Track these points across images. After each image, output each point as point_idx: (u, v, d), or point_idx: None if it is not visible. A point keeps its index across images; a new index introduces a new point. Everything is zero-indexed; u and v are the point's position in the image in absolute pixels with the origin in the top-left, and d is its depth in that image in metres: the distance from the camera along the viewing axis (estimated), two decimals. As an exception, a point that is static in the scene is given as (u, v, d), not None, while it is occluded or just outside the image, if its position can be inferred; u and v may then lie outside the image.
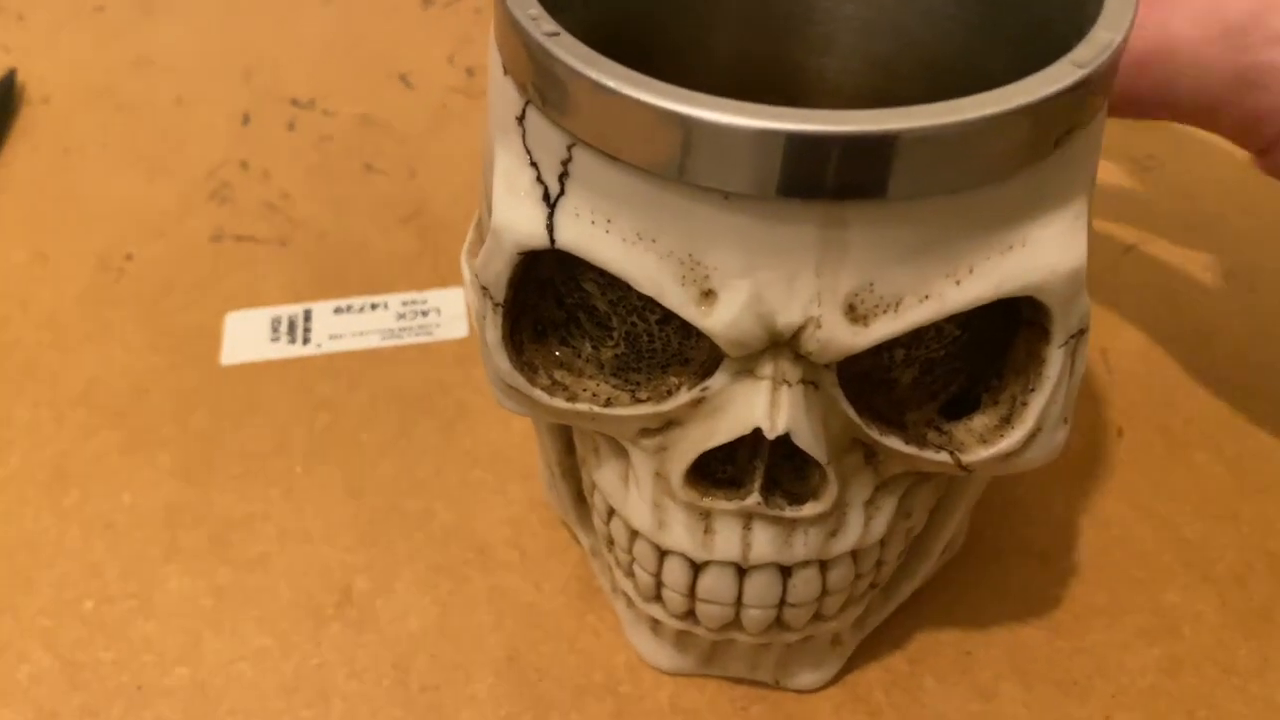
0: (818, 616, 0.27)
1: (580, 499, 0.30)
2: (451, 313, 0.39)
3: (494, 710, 0.29)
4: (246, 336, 0.38)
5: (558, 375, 0.25)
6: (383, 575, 0.32)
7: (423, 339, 0.38)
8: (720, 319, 0.22)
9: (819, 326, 0.22)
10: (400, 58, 0.51)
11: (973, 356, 0.25)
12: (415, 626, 0.30)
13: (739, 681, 0.30)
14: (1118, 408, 0.36)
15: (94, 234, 0.42)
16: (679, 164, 0.20)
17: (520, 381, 0.25)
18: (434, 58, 0.51)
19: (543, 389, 0.25)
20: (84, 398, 0.36)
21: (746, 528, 0.25)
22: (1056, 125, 0.21)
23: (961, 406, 0.26)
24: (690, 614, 0.27)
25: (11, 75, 0.48)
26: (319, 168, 0.45)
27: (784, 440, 0.23)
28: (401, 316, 0.38)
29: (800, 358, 0.22)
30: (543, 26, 0.21)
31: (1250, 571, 0.32)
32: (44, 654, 0.30)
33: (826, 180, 0.20)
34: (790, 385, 0.23)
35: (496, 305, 0.24)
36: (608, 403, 0.25)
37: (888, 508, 0.26)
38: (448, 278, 0.40)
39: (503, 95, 0.23)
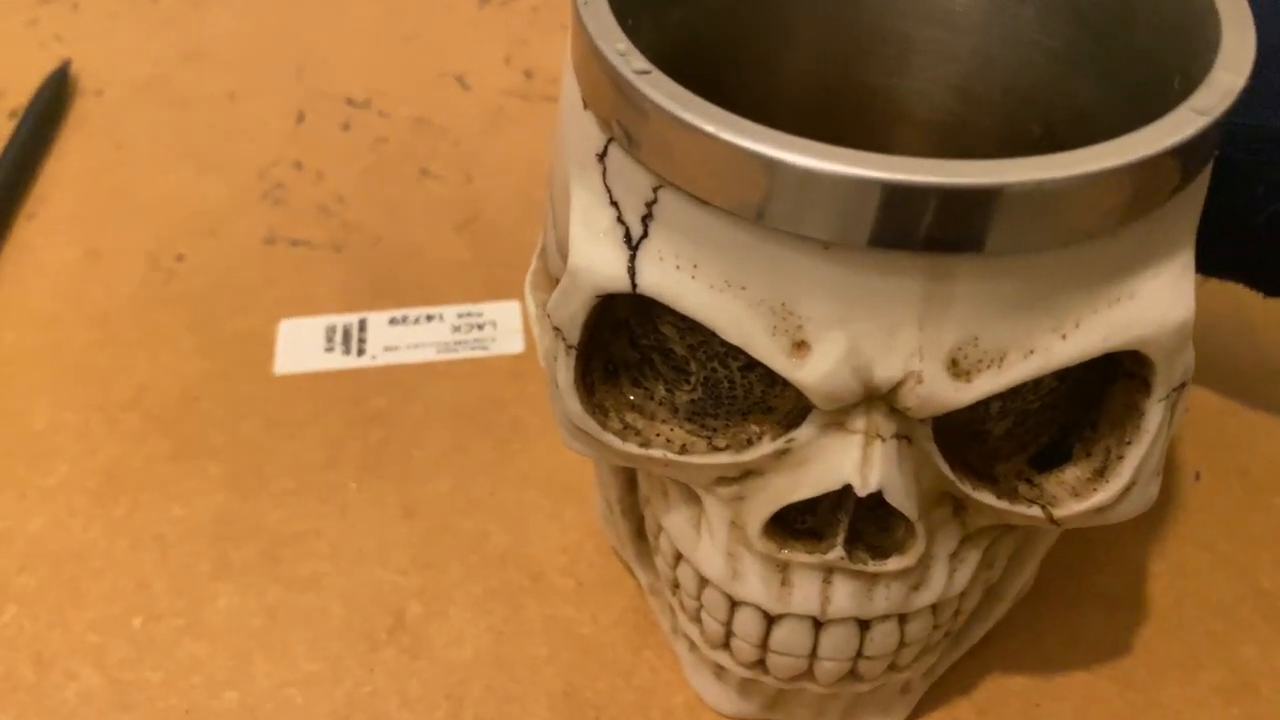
0: (892, 667, 0.26)
1: (640, 536, 0.29)
2: (507, 327, 0.38)
3: (549, 746, 0.28)
4: (300, 345, 0.37)
5: (629, 418, 0.25)
6: (436, 599, 0.31)
7: (478, 353, 0.37)
8: (814, 371, 0.21)
9: (920, 382, 0.20)
10: (455, 57, 0.50)
11: (1068, 407, 0.24)
12: (469, 654, 0.30)
13: (802, 726, 0.29)
14: (1195, 449, 0.35)
15: (146, 231, 0.42)
16: (774, 210, 0.19)
17: (592, 426, 0.24)
18: (490, 58, 0.50)
19: (614, 433, 0.24)
20: (134, 403, 0.36)
21: (826, 581, 0.24)
22: (1172, 176, 0.20)
23: (1052, 458, 0.25)
24: (760, 663, 0.26)
25: (65, 67, 0.48)
26: (374, 170, 0.44)
27: (875, 496, 0.22)
28: (457, 329, 0.38)
29: (895, 411, 0.21)
30: (633, 64, 0.20)
31: (1333, 628, 0.31)
32: (92, 672, 0.29)
33: (924, 232, 0.19)
34: (884, 440, 0.22)
35: (570, 348, 0.23)
36: (683, 449, 0.24)
37: (972, 560, 0.25)
38: (502, 289, 0.39)
39: (581, 129, 0.23)
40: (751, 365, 0.23)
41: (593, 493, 0.33)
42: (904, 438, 0.22)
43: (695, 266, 0.21)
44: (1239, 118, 0.27)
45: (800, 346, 0.21)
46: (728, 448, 0.24)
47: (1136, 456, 0.23)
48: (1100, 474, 0.24)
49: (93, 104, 0.47)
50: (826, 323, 0.20)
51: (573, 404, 0.24)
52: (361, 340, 0.37)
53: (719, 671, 0.28)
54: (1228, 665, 0.30)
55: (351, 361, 0.37)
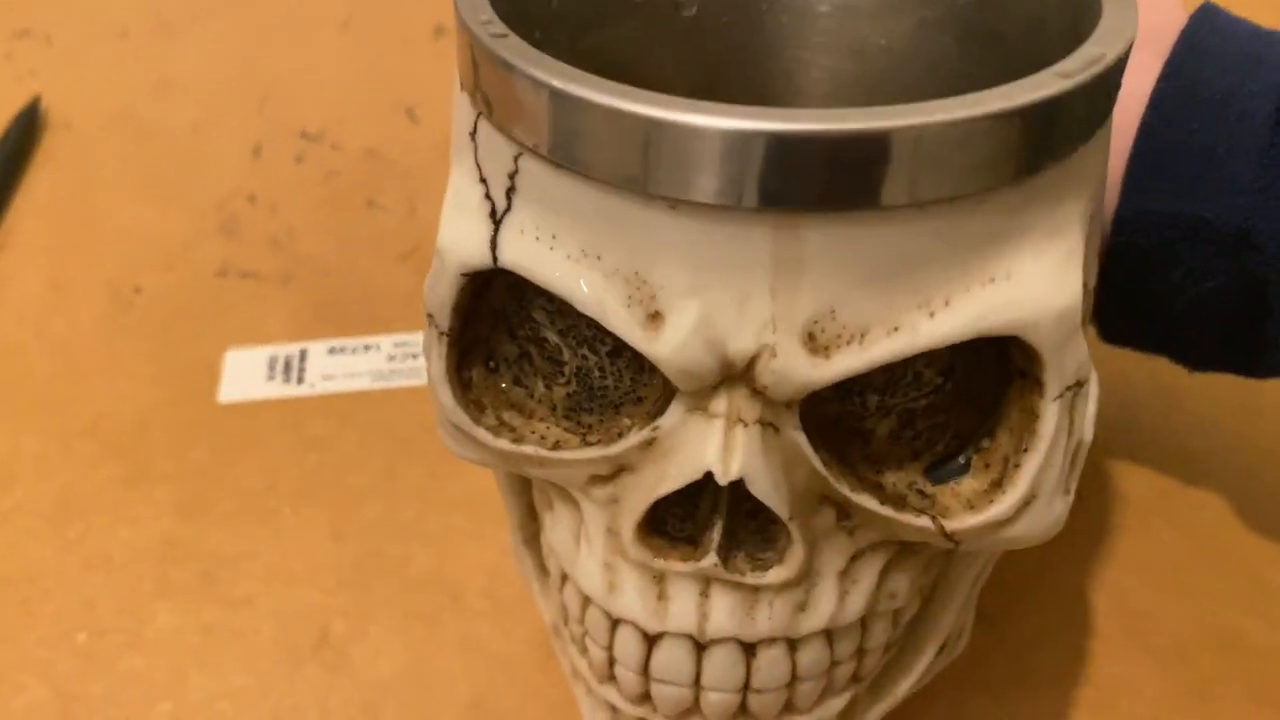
0: (790, 708, 0.25)
1: (543, 570, 0.29)
2: (441, 356, 0.40)
3: (456, 756, 0.31)
4: (244, 375, 0.40)
5: (506, 416, 0.24)
6: (359, 619, 0.33)
7: (412, 381, 0.40)
8: (668, 343, 0.20)
9: (774, 355, 0.20)
10: (408, 89, 0.52)
11: (960, 412, 0.23)
12: (386, 671, 0.32)
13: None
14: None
15: (107, 263, 0.44)
16: (619, 167, 0.19)
17: (464, 419, 0.24)
18: (441, 90, 0.52)
19: (488, 429, 0.24)
20: (90, 430, 0.38)
21: (704, 594, 0.23)
22: (1037, 140, 0.20)
23: (951, 470, 0.24)
24: (646, 696, 0.25)
25: (35, 103, 0.50)
26: (324, 202, 0.47)
27: (743, 491, 0.21)
28: (392, 359, 0.40)
29: (757, 394, 0.21)
30: (491, 29, 0.21)
31: (1192, 645, 0.33)
32: (39, 685, 0.32)
33: (764, 185, 0.18)
34: (746, 425, 0.21)
35: (441, 334, 0.23)
36: (556, 445, 0.23)
37: (865, 582, 0.24)
38: (441, 318, 0.42)
39: (459, 112, 0.23)
40: (619, 350, 0.22)
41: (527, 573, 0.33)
42: (769, 425, 0.21)
43: (554, 237, 0.21)
44: (1151, 204, 0.29)
45: (654, 318, 0.20)
46: (599, 442, 0.23)
47: (1034, 465, 0.22)
48: (998, 485, 0.23)
49: (62, 137, 0.50)
50: (679, 291, 0.20)
51: (445, 396, 0.24)
52: (302, 370, 0.40)
53: (614, 716, 0.27)
54: (1094, 682, 0.32)
55: (292, 390, 0.39)
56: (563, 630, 0.28)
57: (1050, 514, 0.23)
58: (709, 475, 0.21)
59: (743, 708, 0.25)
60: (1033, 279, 0.20)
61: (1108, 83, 0.21)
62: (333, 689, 0.32)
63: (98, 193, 0.47)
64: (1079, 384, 0.22)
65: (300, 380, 0.39)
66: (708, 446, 0.21)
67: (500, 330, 0.24)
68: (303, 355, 0.40)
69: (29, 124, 0.50)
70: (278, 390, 0.39)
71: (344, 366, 0.40)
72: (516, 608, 0.34)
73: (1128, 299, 0.31)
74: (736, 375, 0.21)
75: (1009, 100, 0.19)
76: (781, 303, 0.20)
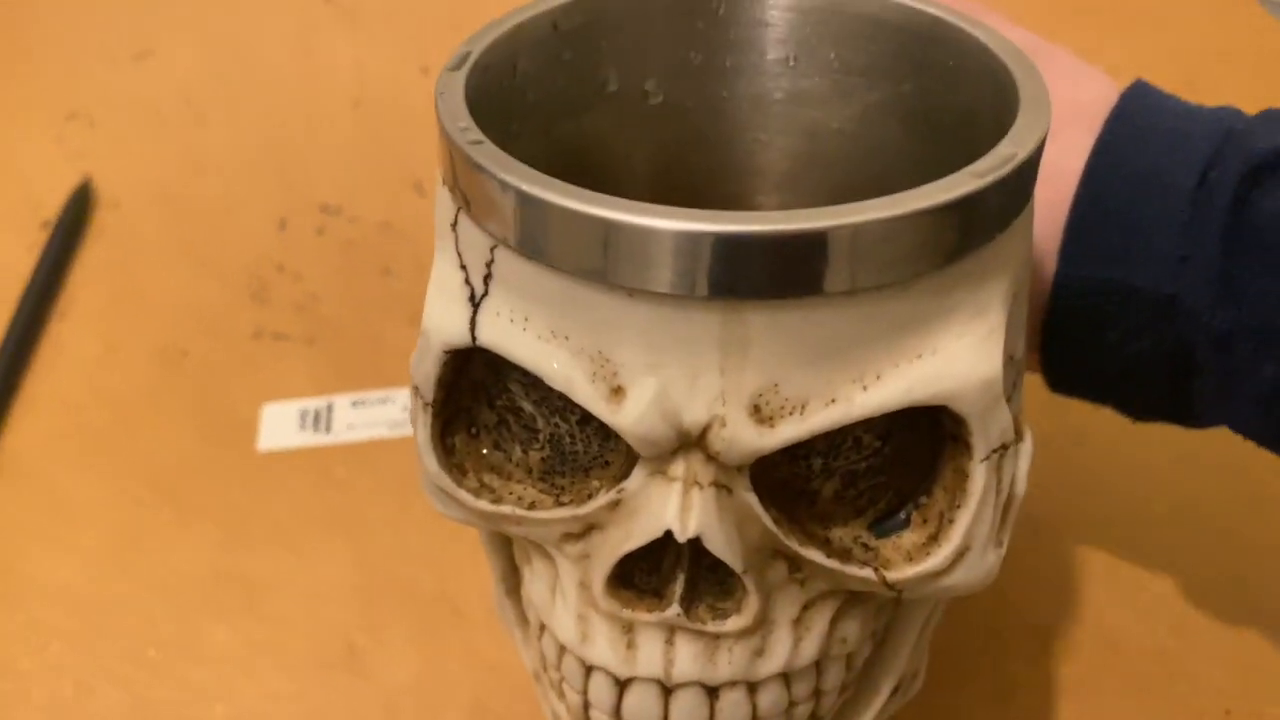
0: None
1: (524, 620, 0.31)
2: (446, 407, 0.47)
3: (461, 746, 0.37)
4: (279, 426, 0.46)
5: (486, 479, 0.26)
6: (378, 632, 0.40)
7: (421, 430, 0.46)
8: (628, 415, 0.22)
9: (724, 425, 0.22)
10: (416, 165, 0.59)
11: (898, 472, 0.25)
12: (402, 676, 0.39)
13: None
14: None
15: (155, 328, 0.51)
16: (582, 260, 0.22)
17: (448, 483, 0.26)
18: (444, 166, 0.59)
19: (469, 490, 0.26)
20: (146, 476, 0.45)
21: (669, 642, 0.25)
22: (956, 232, 0.22)
23: (892, 526, 0.26)
24: None
25: (87, 184, 0.57)
26: (343, 270, 0.53)
27: (701, 547, 0.23)
28: (406, 409, 0.47)
29: (711, 460, 0.23)
30: (468, 136, 0.23)
31: (1081, 645, 0.39)
32: (118, 692, 0.38)
33: (712, 278, 0.21)
34: (702, 488, 0.23)
35: (426, 405, 0.25)
36: (531, 506, 0.25)
37: (818, 628, 0.25)
38: (445, 373, 0.48)
39: (441, 204, 0.25)
40: (587, 419, 0.24)
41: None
42: (724, 488, 0.23)
43: (526, 320, 0.23)
44: (1085, 271, 0.30)
45: (617, 392, 0.22)
46: (571, 502, 0.25)
47: (966, 520, 0.24)
48: (934, 538, 0.25)
49: (111, 215, 0.57)
50: (638, 369, 0.22)
51: (430, 461, 0.26)
52: (329, 421, 0.46)
53: None
54: (993, 678, 0.38)
55: (320, 439, 0.46)
56: (542, 677, 0.30)
57: (983, 565, 0.25)
58: (669, 533, 0.23)
59: None
60: (957, 355, 0.22)
61: (1021, 178, 0.23)
62: (357, 692, 0.38)
63: (144, 264, 0.54)
64: (1004, 447, 0.24)
65: (327, 430, 0.46)
66: (667, 507, 0.23)
67: (480, 400, 0.26)
68: (330, 408, 0.47)
69: (82, 203, 0.56)
70: (309, 439, 0.46)
71: (365, 417, 0.46)
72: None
73: (1070, 355, 0.33)
74: (691, 443, 0.23)
75: (930, 200, 0.21)
76: (729, 379, 0.22)
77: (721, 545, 0.23)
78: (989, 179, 0.22)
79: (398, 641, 0.39)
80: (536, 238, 0.22)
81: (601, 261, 0.21)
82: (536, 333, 0.23)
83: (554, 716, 0.30)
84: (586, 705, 0.27)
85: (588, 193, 0.21)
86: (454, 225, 0.24)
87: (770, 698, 0.26)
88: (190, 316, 0.51)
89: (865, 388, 0.22)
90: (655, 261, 0.21)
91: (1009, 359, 0.24)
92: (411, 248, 0.54)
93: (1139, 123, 0.31)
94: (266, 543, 0.42)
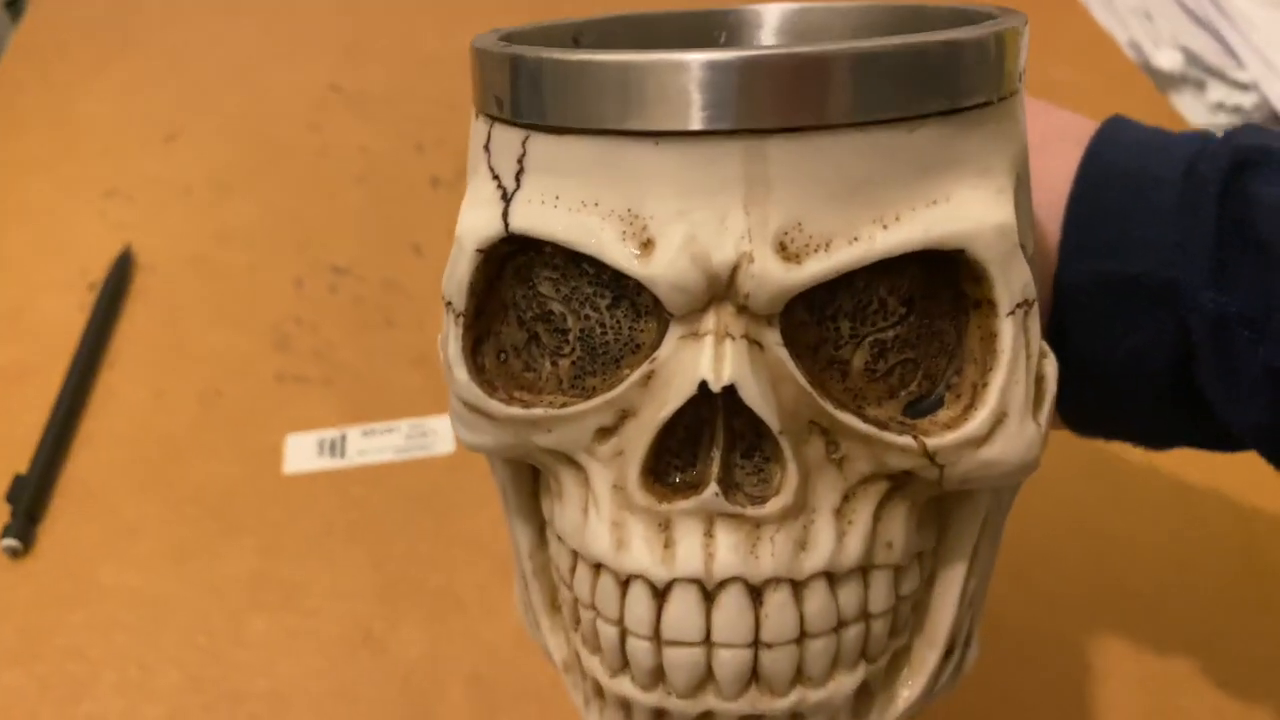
0: (801, 677, 0.26)
1: (553, 607, 0.30)
2: (444, 435, 0.55)
3: (463, 710, 0.45)
4: (301, 453, 0.54)
5: (516, 394, 0.26)
6: (393, 621, 0.48)
7: (424, 454, 0.54)
8: (659, 263, 0.22)
9: (752, 261, 0.22)
10: (414, 231, 0.68)
11: (926, 349, 0.25)
12: (414, 654, 0.46)
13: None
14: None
15: (193, 375, 0.59)
16: (611, 110, 0.22)
17: (477, 394, 0.26)
18: (438, 230, 0.68)
19: (500, 401, 0.26)
20: (193, 497, 0.53)
21: (708, 534, 0.24)
22: (948, 78, 0.23)
23: (926, 406, 0.26)
24: (660, 675, 0.26)
25: (128, 251, 0.66)
26: (353, 323, 0.62)
27: (737, 408, 0.23)
28: (409, 437, 0.55)
29: (742, 312, 0.23)
30: (500, 45, 0.25)
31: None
32: (176, 672, 0.46)
33: (742, 107, 0.21)
34: (734, 339, 0.23)
35: (458, 316, 0.25)
36: (564, 406, 0.25)
37: (861, 522, 0.25)
38: (441, 407, 0.57)
39: (474, 138, 0.26)
40: (617, 301, 0.24)
41: (514, 593, 0.34)
42: (755, 343, 0.23)
43: (557, 198, 0.24)
44: (1086, 266, 0.30)
45: (647, 245, 0.23)
46: (602, 390, 0.25)
47: (999, 381, 0.24)
48: (970, 406, 0.25)
49: (149, 278, 0.65)
50: (666, 218, 0.23)
51: (460, 373, 0.26)
52: (343, 448, 0.55)
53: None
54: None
55: (337, 463, 0.54)
56: (574, 664, 0.29)
57: (1023, 436, 0.24)
58: (704, 393, 0.23)
59: (755, 675, 0.25)
60: (969, 203, 0.23)
61: (1002, 48, 0.24)
62: (376, 668, 0.46)
63: (181, 320, 0.62)
64: (1027, 302, 0.24)
65: (342, 455, 0.54)
66: (701, 361, 0.23)
67: (510, 322, 0.26)
68: (343, 438, 0.55)
69: (124, 268, 0.65)
70: (327, 464, 0.54)
71: (374, 445, 0.55)
72: (503, 610, 0.48)
73: (1076, 360, 0.32)
74: (721, 292, 0.23)
75: (921, 40, 0.22)
76: (754, 217, 0.22)
77: (756, 397, 0.23)
78: (973, 33, 0.23)
79: (409, 627, 0.47)
80: (570, 103, 0.23)
81: (632, 108, 0.22)
82: (568, 206, 0.23)
83: (584, 703, 0.29)
84: (624, 636, 0.26)
85: (613, 51, 0.22)
86: (486, 145, 0.25)
87: (817, 602, 0.25)
88: (223, 363, 0.60)
89: (885, 227, 0.23)
90: (683, 97, 0.21)
91: (1022, 246, 0.25)
92: (411, 302, 0.63)
93: (1123, 136, 0.32)
94: (296, 550, 0.51)
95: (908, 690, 0.28)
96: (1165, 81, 0.79)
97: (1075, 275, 0.31)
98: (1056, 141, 0.32)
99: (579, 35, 0.31)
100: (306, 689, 0.45)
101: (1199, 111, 0.76)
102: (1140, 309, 0.30)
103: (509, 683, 0.45)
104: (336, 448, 0.55)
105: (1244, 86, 0.76)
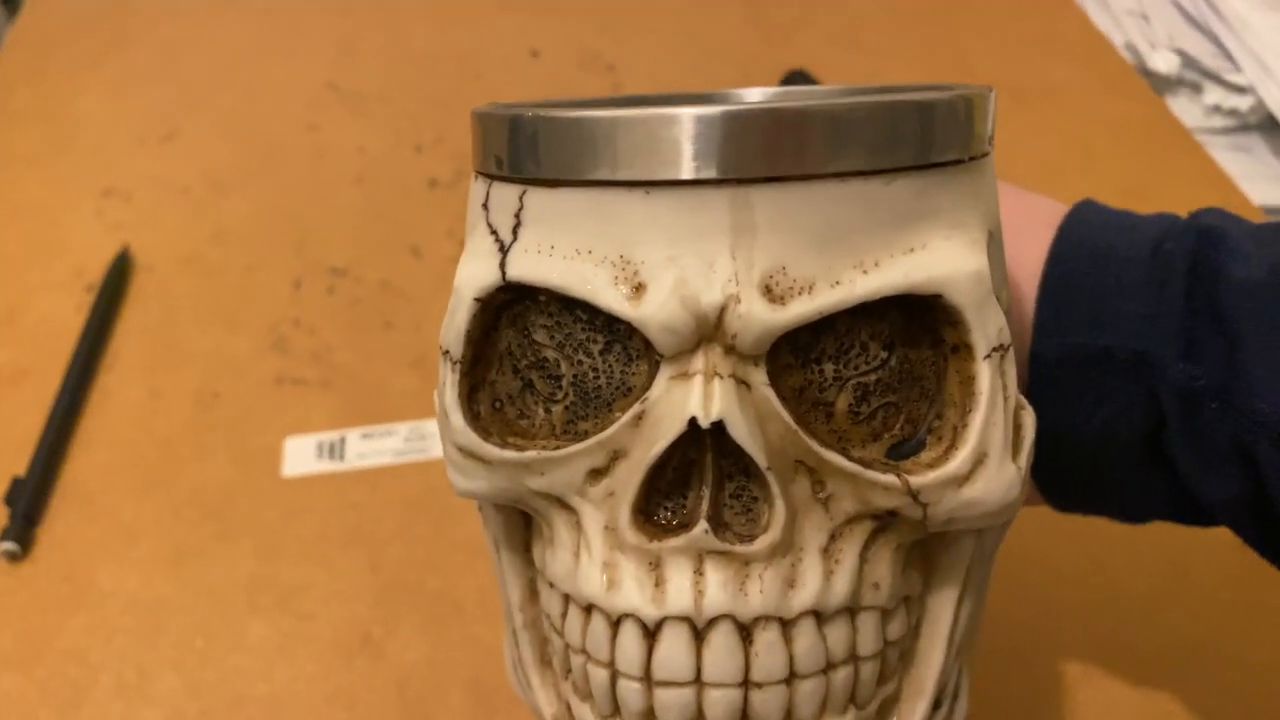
0: (792, 719, 0.26)
1: (543, 661, 0.31)
2: (443, 438, 0.55)
3: (462, 715, 0.45)
4: (300, 456, 0.54)
5: (510, 440, 0.27)
6: (391, 625, 0.48)
7: (421, 457, 0.54)
8: (649, 305, 0.24)
9: (739, 303, 0.23)
10: (412, 231, 0.68)
11: (907, 393, 0.26)
12: (411, 659, 0.47)
13: None
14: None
15: (191, 376, 0.59)
16: (603, 163, 0.24)
17: (472, 439, 0.27)
18: (437, 232, 0.68)
19: (494, 445, 0.27)
20: (190, 500, 0.53)
21: (698, 572, 0.25)
22: (922, 135, 0.24)
23: (909, 448, 0.26)
24: (650, 715, 0.26)
25: (125, 251, 0.65)
26: (351, 324, 0.62)
27: (726, 448, 0.24)
28: (408, 440, 0.55)
29: (730, 352, 0.24)
30: (500, 108, 0.27)
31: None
32: (173, 675, 0.46)
33: (727, 157, 0.23)
34: (722, 378, 0.24)
35: (455, 364, 0.27)
36: (556, 448, 0.26)
37: (848, 562, 0.25)
38: (442, 410, 0.57)
39: (473, 195, 0.27)
40: (609, 347, 0.26)
41: (504, 652, 0.34)
42: (743, 382, 0.24)
43: (553, 247, 0.25)
44: (1059, 340, 0.32)
45: (638, 289, 0.24)
46: (594, 432, 0.26)
47: (979, 421, 0.25)
48: (951, 447, 0.26)
49: (147, 278, 0.65)
50: (657, 263, 0.24)
51: (456, 419, 0.27)
52: (342, 450, 0.55)
53: None
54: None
55: (336, 466, 0.54)
56: (564, 690, 0.30)
57: (1003, 476, 0.25)
58: (693, 430, 0.24)
59: (745, 717, 0.25)
60: (945, 251, 0.24)
61: (970, 110, 0.25)
62: (375, 673, 0.46)
63: (179, 321, 0.62)
64: (1003, 347, 0.25)
65: (341, 458, 0.54)
66: (690, 399, 0.24)
67: (505, 371, 0.27)
68: (342, 440, 0.55)
69: (122, 268, 0.64)
70: (325, 467, 0.54)
71: (372, 448, 0.55)
72: (501, 614, 0.48)
73: (1051, 434, 0.32)
74: (709, 333, 0.24)
75: (895, 97, 0.24)
76: (740, 262, 0.23)
77: (744, 434, 0.24)
78: (943, 95, 0.25)
79: (407, 631, 0.48)
80: (565, 157, 0.24)
81: (623, 160, 0.23)
82: (562, 254, 0.25)
83: None
84: (614, 679, 0.26)
85: (605, 107, 0.24)
86: (485, 204, 0.27)
87: (806, 642, 0.25)
88: (221, 365, 0.60)
89: (865, 271, 0.24)
90: (673, 149, 0.23)
91: (997, 297, 0.26)
92: (409, 304, 0.63)
93: (1093, 218, 0.33)
94: (294, 553, 0.51)
95: None
96: (1161, 84, 0.79)
97: (1049, 349, 0.32)
98: (1028, 223, 0.33)
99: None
100: (304, 693, 0.45)
101: (1195, 114, 0.76)
102: (1112, 381, 0.31)
103: (508, 688, 0.45)
104: (336, 450, 0.55)
105: (1240, 89, 0.76)
